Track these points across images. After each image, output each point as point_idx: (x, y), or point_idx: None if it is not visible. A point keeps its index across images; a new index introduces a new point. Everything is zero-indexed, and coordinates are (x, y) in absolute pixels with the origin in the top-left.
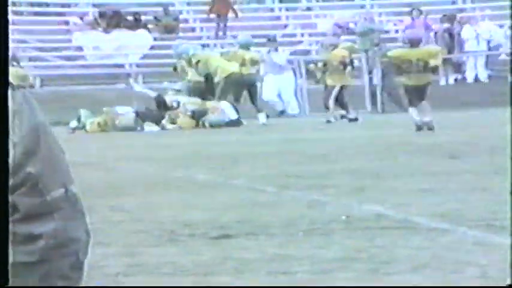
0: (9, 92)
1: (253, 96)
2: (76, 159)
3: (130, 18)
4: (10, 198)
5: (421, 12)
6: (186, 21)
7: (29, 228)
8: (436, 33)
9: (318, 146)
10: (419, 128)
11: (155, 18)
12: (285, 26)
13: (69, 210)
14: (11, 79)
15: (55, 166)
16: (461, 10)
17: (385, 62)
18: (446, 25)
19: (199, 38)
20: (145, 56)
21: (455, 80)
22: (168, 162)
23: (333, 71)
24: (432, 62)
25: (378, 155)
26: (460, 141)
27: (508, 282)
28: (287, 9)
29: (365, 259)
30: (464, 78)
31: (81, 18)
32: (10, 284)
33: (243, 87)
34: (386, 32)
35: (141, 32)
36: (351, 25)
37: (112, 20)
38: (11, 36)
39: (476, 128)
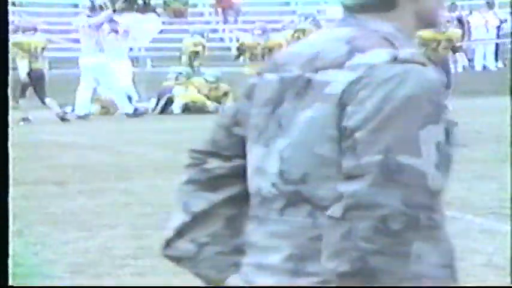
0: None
1: None
2: (85, 142)
3: (140, 1)
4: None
5: None
6: (195, 5)
7: (339, 187)
8: (448, 21)
9: None
10: None
11: (164, 2)
12: (294, 12)
13: (378, 176)
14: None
15: (381, 135)
16: None
17: None
18: (456, 13)
19: (208, 22)
20: (154, 40)
21: (464, 67)
22: (175, 146)
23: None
24: None
25: None
26: (468, 129)
27: None
28: None
29: None
30: (472, 66)
31: (92, 2)
32: None
33: None
34: None
35: (150, 15)
36: None
37: (122, 3)
38: (19, 19)
39: (484, 116)
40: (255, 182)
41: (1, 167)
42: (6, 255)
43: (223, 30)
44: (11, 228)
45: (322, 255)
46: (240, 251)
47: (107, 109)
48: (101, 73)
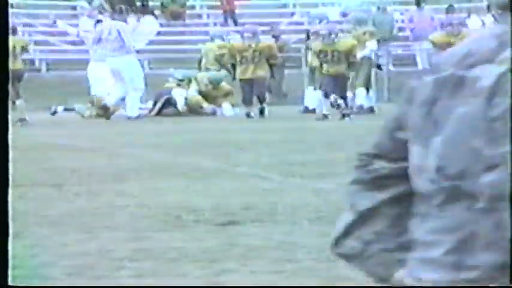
0: None
1: None
2: (82, 144)
3: (137, 3)
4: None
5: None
6: (192, 7)
7: (482, 177)
8: (442, 23)
9: (323, 135)
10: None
11: (162, 4)
12: (292, 14)
13: None
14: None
15: None
16: (470, 0)
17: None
18: (452, 15)
19: (206, 24)
20: (151, 42)
21: None
22: (173, 149)
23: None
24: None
25: None
26: None
27: None
28: None
29: None
30: None
31: (89, 3)
32: None
33: None
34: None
35: (148, 18)
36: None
37: (120, 5)
38: (17, 20)
39: None
40: (415, 180)
41: (1, 168)
42: (6, 255)
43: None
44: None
45: (477, 247)
46: (405, 248)
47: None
48: (129, 72)
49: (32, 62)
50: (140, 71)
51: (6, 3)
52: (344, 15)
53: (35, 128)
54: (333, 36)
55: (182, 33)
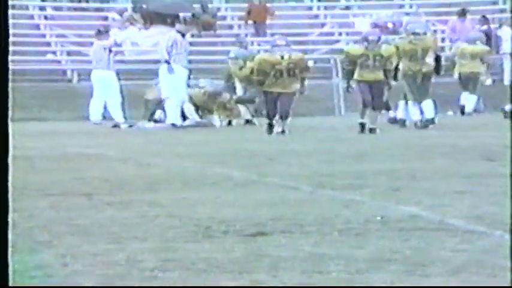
0: None
1: None
2: (113, 154)
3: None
4: None
5: (468, 12)
6: (224, 18)
7: None
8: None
9: (353, 146)
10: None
11: (193, 15)
12: (323, 25)
13: None
14: None
15: None
16: (502, 10)
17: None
18: (484, 27)
19: (237, 35)
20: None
21: (493, 81)
22: (204, 159)
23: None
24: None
25: (414, 156)
26: (497, 144)
27: None
28: (325, 8)
29: (400, 260)
30: (501, 80)
31: (121, 15)
32: None
33: None
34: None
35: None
36: (389, 25)
37: (151, 16)
38: (50, 32)
39: None
40: None
41: (1, 168)
42: (6, 256)
43: (252, 43)
44: (40, 239)
45: None
46: None
47: None
48: (172, 79)
49: (64, 72)
50: (179, 80)
51: (6, 4)
52: (375, 26)
53: (66, 137)
54: (379, 43)
55: (213, 43)
